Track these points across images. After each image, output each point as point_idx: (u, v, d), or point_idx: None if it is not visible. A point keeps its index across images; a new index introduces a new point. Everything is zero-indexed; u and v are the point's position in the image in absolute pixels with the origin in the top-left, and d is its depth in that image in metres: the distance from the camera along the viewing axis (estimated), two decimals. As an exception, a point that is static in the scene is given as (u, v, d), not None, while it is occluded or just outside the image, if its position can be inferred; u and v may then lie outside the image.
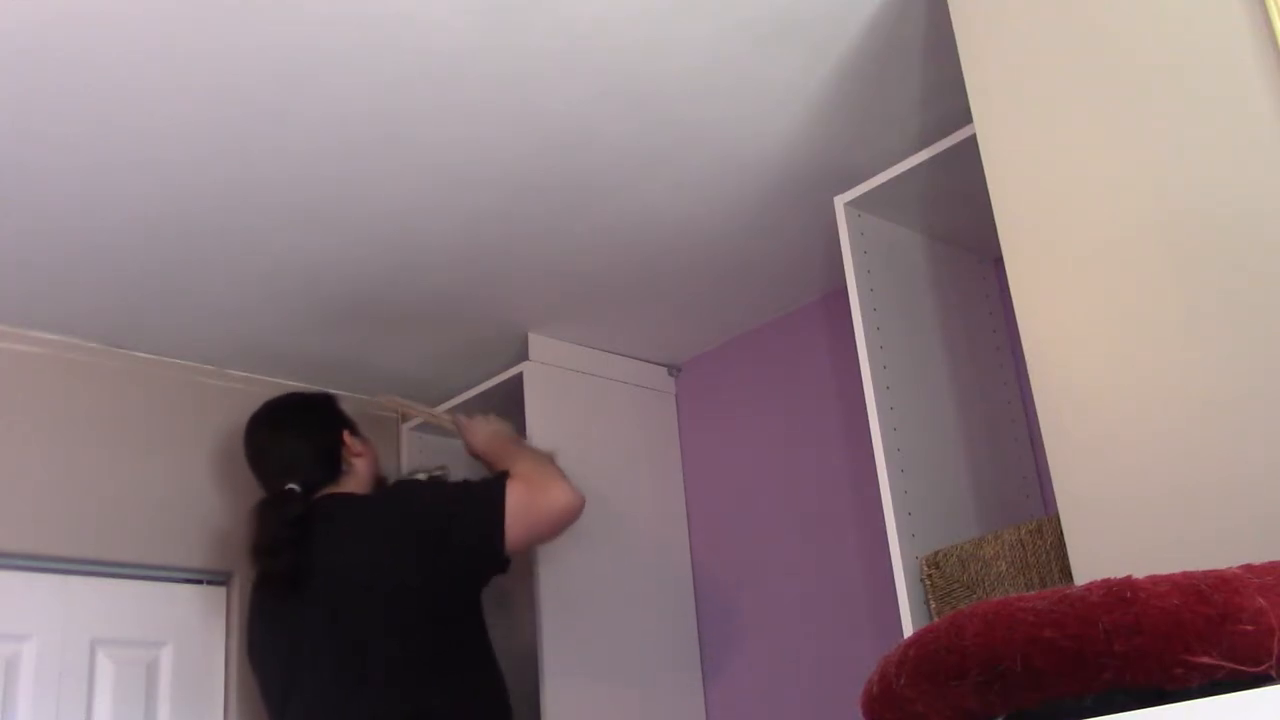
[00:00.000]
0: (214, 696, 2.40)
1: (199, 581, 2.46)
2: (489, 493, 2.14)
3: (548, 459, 2.26)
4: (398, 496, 2.27)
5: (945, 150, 1.90)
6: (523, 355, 2.57)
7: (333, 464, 2.28)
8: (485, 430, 2.40)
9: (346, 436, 2.32)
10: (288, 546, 2.15)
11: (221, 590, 2.48)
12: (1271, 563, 0.87)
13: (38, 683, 2.19)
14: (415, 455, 2.81)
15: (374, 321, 2.47)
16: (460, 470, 2.53)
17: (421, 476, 2.53)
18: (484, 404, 2.66)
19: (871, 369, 1.89)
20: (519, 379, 2.54)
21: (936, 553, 1.76)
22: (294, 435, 2.32)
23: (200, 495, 2.47)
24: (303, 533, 2.16)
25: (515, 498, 2.12)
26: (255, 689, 2.27)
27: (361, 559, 2.14)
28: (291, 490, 2.22)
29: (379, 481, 2.38)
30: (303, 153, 1.89)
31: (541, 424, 2.49)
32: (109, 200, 1.96)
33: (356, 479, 2.30)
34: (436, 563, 2.12)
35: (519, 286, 2.38)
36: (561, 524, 2.18)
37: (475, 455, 2.42)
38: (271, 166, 1.91)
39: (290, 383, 2.65)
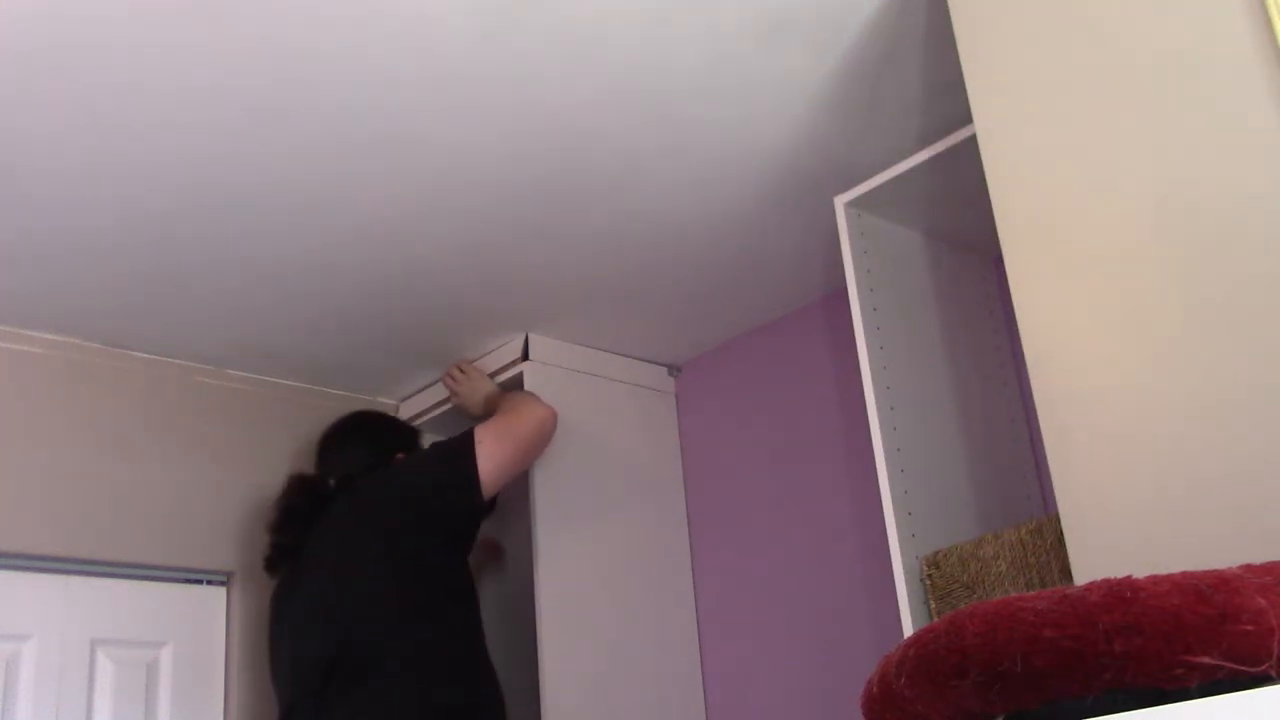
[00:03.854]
0: (214, 696, 2.40)
1: (199, 581, 2.46)
2: (457, 441, 2.28)
3: (520, 393, 2.44)
4: (377, 480, 2.33)
5: (945, 150, 1.90)
6: (523, 355, 2.57)
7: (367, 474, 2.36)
8: (475, 398, 2.52)
9: (399, 458, 2.41)
10: (295, 523, 2.28)
11: (221, 590, 2.48)
12: (1271, 563, 0.87)
13: (38, 683, 2.19)
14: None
15: (373, 321, 2.46)
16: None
17: None
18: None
19: (871, 369, 1.89)
20: (519, 379, 2.54)
21: (936, 553, 1.76)
22: (361, 437, 2.45)
23: (200, 495, 2.47)
24: (315, 515, 2.27)
25: (488, 433, 2.26)
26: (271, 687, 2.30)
27: (341, 545, 2.22)
28: (323, 478, 2.36)
29: None
30: (302, 153, 1.89)
31: (541, 424, 2.50)
32: (109, 200, 1.96)
33: None
34: (419, 528, 2.22)
35: (519, 287, 2.38)
36: (541, 438, 2.34)
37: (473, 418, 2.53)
38: (271, 167, 1.91)
39: (290, 383, 2.65)
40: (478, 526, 2.32)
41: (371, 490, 2.29)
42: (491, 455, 2.25)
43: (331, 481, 2.35)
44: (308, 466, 2.48)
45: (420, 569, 2.21)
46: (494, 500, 2.30)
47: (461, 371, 2.57)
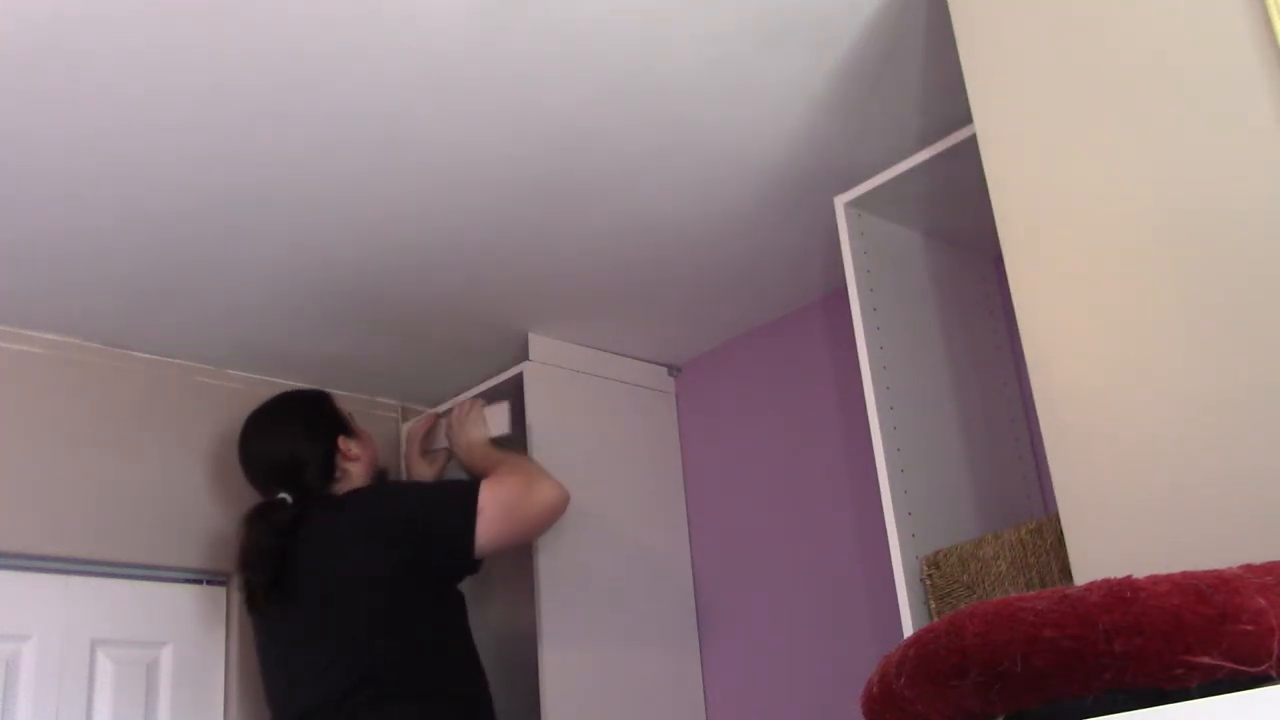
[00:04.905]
0: (214, 696, 2.40)
1: (199, 581, 2.46)
2: (462, 498, 2.17)
3: (526, 459, 2.32)
4: (375, 498, 2.27)
5: (945, 150, 1.90)
6: (523, 355, 2.57)
7: (326, 471, 2.29)
8: (462, 440, 2.43)
9: (341, 442, 2.32)
10: (269, 559, 2.18)
11: (221, 590, 2.48)
12: (1271, 563, 0.87)
13: (38, 683, 2.19)
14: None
15: (374, 321, 2.46)
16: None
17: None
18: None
19: (871, 369, 1.89)
20: (519, 379, 2.54)
21: (936, 553, 1.76)
22: (286, 442, 2.32)
23: (200, 495, 2.47)
24: (289, 542, 2.18)
25: (493, 500, 2.15)
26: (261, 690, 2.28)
27: (338, 561, 2.17)
28: (281, 500, 2.25)
29: (380, 474, 2.41)
30: (302, 153, 1.89)
31: (541, 424, 2.49)
32: (109, 200, 1.96)
33: (351, 481, 2.31)
34: (408, 563, 2.16)
35: (519, 286, 2.38)
36: (548, 520, 2.23)
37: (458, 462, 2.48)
38: (271, 167, 1.91)
39: (290, 383, 2.64)
40: (462, 577, 2.27)
41: (367, 513, 2.21)
42: (491, 523, 2.15)
43: (284, 495, 2.25)
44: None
45: (417, 596, 2.17)
46: (479, 562, 2.23)
47: (464, 413, 2.47)
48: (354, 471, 2.32)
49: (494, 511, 2.15)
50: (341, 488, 2.30)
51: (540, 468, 2.29)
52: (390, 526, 2.19)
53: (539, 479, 2.22)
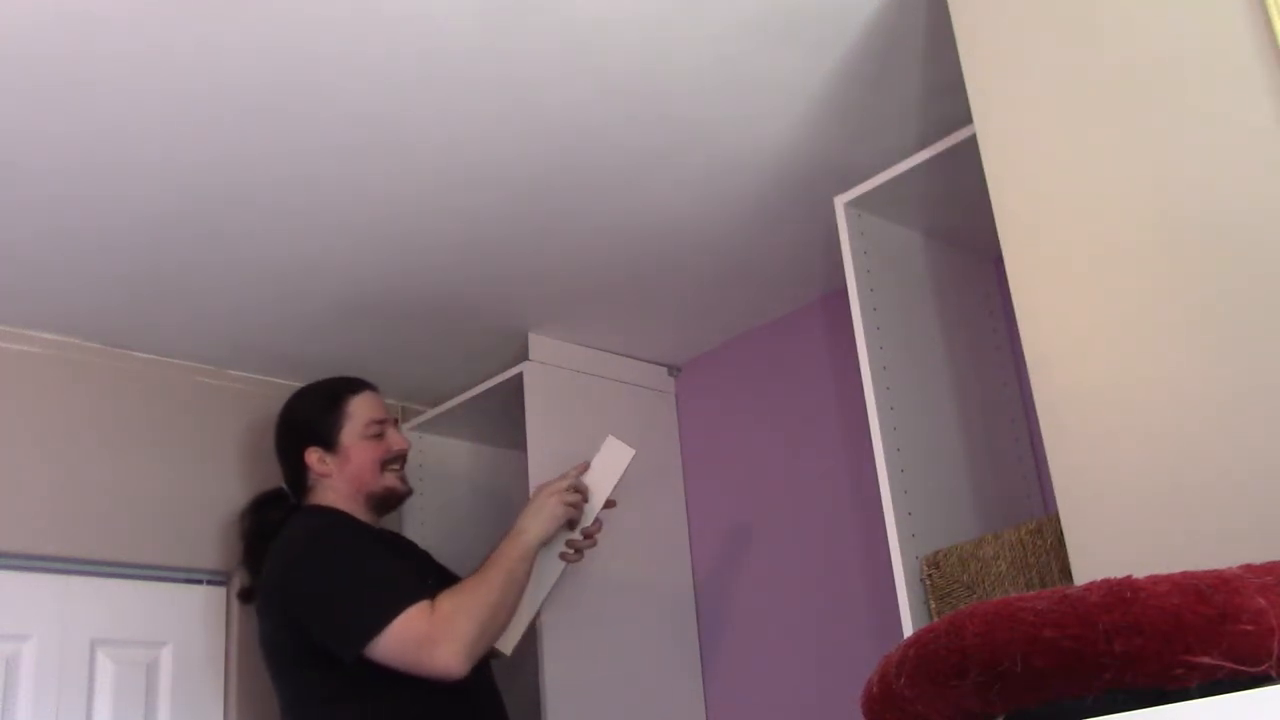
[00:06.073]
0: (214, 696, 2.40)
1: (199, 581, 2.46)
2: (371, 614, 1.93)
3: (489, 597, 1.98)
4: (291, 544, 2.10)
5: (945, 150, 1.90)
6: (523, 355, 2.57)
7: (298, 482, 2.23)
8: (525, 515, 2.14)
9: (307, 454, 2.18)
10: (248, 555, 2.24)
11: (221, 590, 2.48)
12: (1271, 563, 0.87)
13: (38, 683, 2.19)
14: (413, 455, 2.80)
15: (374, 321, 2.47)
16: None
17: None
18: (484, 404, 2.66)
19: (871, 369, 1.89)
20: (519, 379, 2.54)
21: (936, 553, 1.76)
22: (276, 446, 2.29)
23: (200, 495, 2.47)
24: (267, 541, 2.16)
25: (404, 630, 1.91)
26: None
27: (265, 581, 2.12)
28: (279, 491, 2.28)
29: (373, 498, 2.20)
30: (303, 153, 1.89)
31: (541, 424, 2.49)
32: (109, 200, 1.96)
33: (324, 495, 2.18)
34: (282, 627, 2.06)
35: (519, 286, 2.38)
36: (424, 675, 1.93)
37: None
38: (271, 167, 1.91)
39: (290, 383, 2.64)
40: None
41: (275, 553, 2.10)
42: (386, 649, 1.91)
43: (284, 488, 2.24)
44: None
45: (305, 669, 2.04)
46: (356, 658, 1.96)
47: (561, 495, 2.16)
48: (327, 486, 2.18)
49: (395, 641, 1.91)
50: (314, 499, 2.20)
51: (477, 621, 1.95)
52: (271, 592, 2.07)
53: (452, 640, 1.92)
